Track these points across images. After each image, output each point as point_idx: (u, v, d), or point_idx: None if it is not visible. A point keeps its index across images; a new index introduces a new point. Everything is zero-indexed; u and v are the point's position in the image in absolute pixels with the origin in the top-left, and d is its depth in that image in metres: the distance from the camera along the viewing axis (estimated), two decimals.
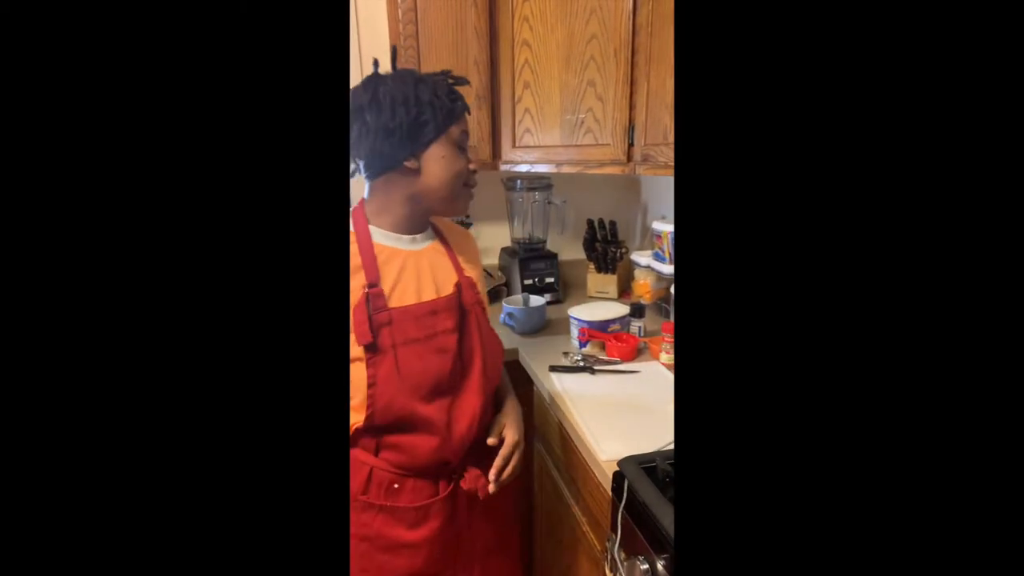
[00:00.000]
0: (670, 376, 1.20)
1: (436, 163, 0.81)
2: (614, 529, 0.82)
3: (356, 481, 0.82)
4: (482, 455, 0.87)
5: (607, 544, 0.85)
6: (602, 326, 1.33)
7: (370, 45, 1.52)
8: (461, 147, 0.84)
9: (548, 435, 1.21)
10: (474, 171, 0.86)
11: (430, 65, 1.41)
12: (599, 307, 1.40)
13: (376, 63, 0.85)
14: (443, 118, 0.80)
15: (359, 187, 0.86)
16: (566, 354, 1.30)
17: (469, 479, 0.85)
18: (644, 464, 0.81)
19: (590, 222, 1.76)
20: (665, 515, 0.72)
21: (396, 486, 0.83)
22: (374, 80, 0.79)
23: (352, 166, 0.83)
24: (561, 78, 1.34)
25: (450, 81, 0.84)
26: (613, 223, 1.74)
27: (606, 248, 1.71)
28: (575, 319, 1.35)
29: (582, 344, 1.34)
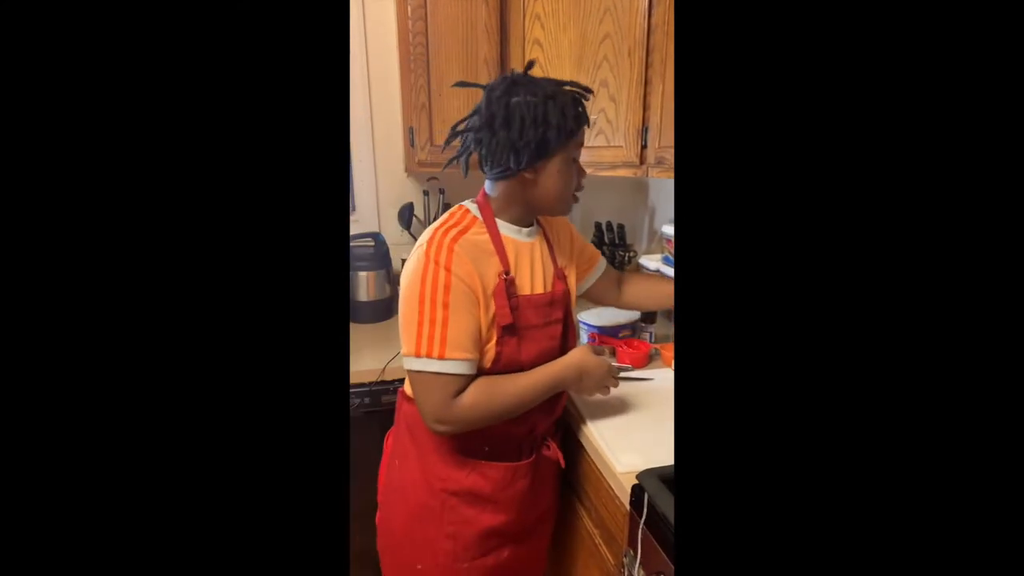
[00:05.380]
0: None
1: (551, 177, 0.86)
2: (632, 545, 0.79)
3: (455, 442, 0.90)
4: (556, 429, 1.03)
5: (623, 560, 0.82)
6: (613, 331, 1.30)
7: (378, 41, 1.49)
8: (575, 159, 0.89)
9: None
10: (583, 175, 0.92)
11: (438, 62, 1.38)
12: (609, 312, 1.37)
13: (530, 65, 0.89)
14: (564, 137, 0.84)
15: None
16: None
17: (553, 449, 0.97)
18: (664, 478, 0.79)
19: (598, 225, 1.74)
20: None
21: (487, 449, 0.91)
22: (509, 90, 0.82)
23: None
24: (573, 78, 1.31)
25: (577, 93, 0.86)
26: (621, 226, 1.72)
27: (614, 251, 1.68)
28: (585, 324, 1.32)
29: None
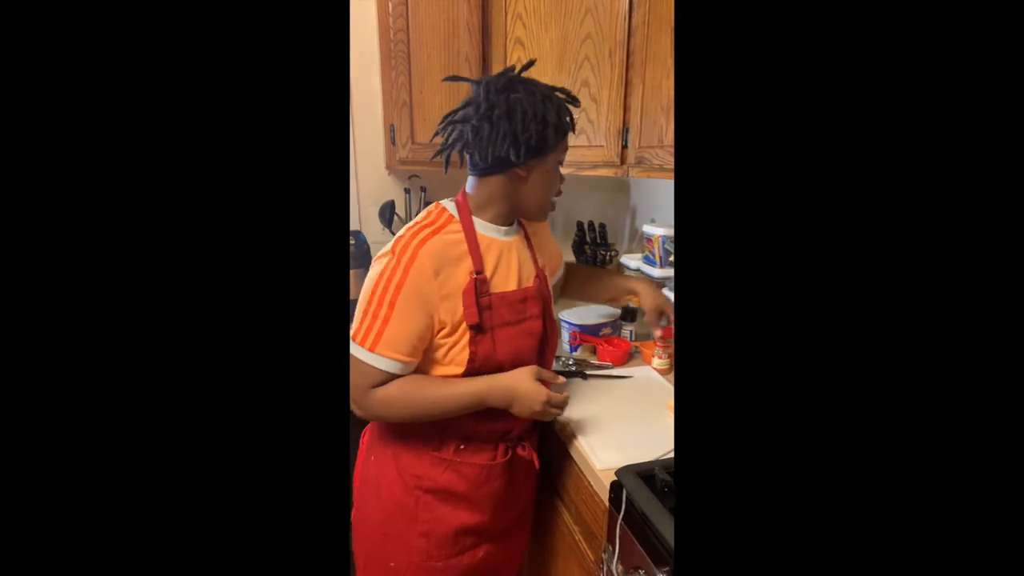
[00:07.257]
0: (663, 382, 1.19)
1: (541, 175, 0.88)
2: (611, 541, 0.80)
3: (431, 439, 0.91)
4: (533, 429, 1.03)
5: (603, 555, 0.83)
6: (593, 330, 1.31)
7: (359, 38, 1.48)
8: (561, 163, 0.91)
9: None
10: (562, 182, 0.94)
11: (419, 60, 1.38)
12: (590, 310, 1.38)
13: (529, 64, 0.92)
14: (559, 138, 0.87)
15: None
16: (557, 358, 1.28)
17: (528, 449, 0.97)
18: (642, 474, 0.80)
19: (579, 224, 1.75)
20: (666, 527, 0.70)
21: (463, 447, 0.92)
22: (508, 86, 0.84)
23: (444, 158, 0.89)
24: (554, 78, 1.32)
25: (567, 100, 0.89)
26: (603, 225, 1.73)
27: (595, 250, 1.69)
28: (566, 322, 1.33)
29: (573, 348, 1.33)
